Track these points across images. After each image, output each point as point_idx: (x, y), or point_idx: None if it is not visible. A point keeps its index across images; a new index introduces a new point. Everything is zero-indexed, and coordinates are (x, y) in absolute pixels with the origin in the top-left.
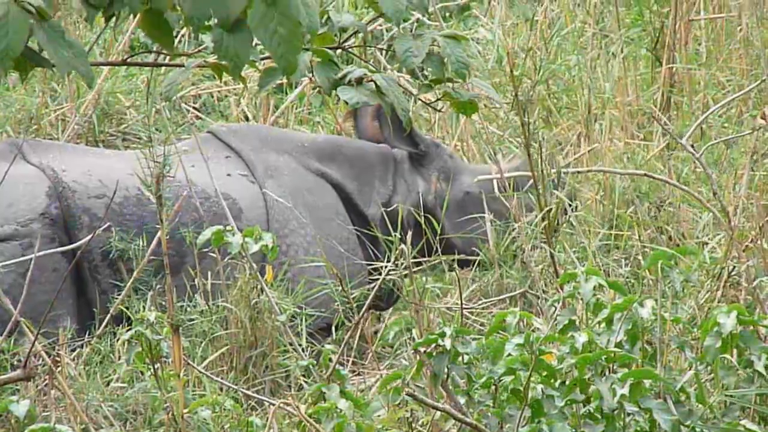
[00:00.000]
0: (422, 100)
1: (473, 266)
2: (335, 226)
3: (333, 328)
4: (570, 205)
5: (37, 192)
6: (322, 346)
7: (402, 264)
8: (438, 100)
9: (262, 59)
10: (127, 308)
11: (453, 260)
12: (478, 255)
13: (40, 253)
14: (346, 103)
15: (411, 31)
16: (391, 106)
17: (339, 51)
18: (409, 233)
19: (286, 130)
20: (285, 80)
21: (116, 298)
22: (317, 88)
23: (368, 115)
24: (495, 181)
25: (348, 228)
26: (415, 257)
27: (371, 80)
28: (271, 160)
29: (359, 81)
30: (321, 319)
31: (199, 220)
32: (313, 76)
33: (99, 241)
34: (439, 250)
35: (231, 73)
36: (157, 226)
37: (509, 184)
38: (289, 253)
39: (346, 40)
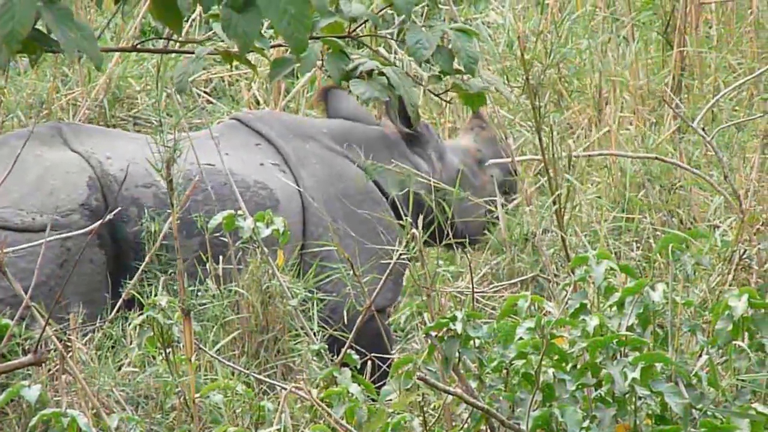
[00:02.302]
0: (431, 92)
1: (480, 244)
2: (369, 208)
3: (345, 312)
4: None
5: (78, 182)
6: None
7: (414, 247)
8: (447, 91)
9: (272, 47)
10: (139, 293)
11: (459, 241)
12: (482, 237)
13: (50, 238)
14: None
15: (422, 15)
16: (400, 99)
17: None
18: (420, 217)
19: (302, 116)
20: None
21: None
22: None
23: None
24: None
25: (382, 208)
26: (426, 241)
27: (382, 73)
28: (299, 147)
29: (370, 73)
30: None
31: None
32: (323, 66)
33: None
34: (450, 233)
35: (239, 52)
36: (196, 215)
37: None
38: (324, 246)
39: (356, 29)
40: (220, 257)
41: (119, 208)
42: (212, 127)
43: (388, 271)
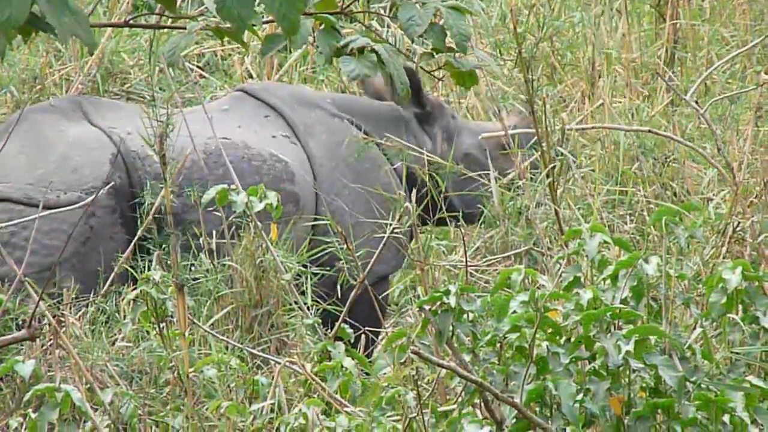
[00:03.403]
0: (423, 69)
1: (477, 223)
2: (375, 175)
3: (338, 287)
4: (574, 162)
5: (101, 159)
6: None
7: (407, 221)
8: (439, 68)
9: (264, 23)
10: (133, 267)
11: (455, 218)
12: (478, 214)
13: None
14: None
15: None
16: (390, 76)
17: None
18: (414, 191)
19: (306, 87)
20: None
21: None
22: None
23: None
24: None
25: (388, 174)
26: (420, 215)
27: (373, 50)
28: (305, 116)
29: (361, 50)
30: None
31: (259, 182)
32: (315, 42)
33: (173, 206)
34: (443, 207)
35: (234, 34)
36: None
37: (513, 141)
38: (335, 218)
39: (349, 6)
40: (214, 232)
41: (111, 183)
42: (220, 99)
43: (385, 239)
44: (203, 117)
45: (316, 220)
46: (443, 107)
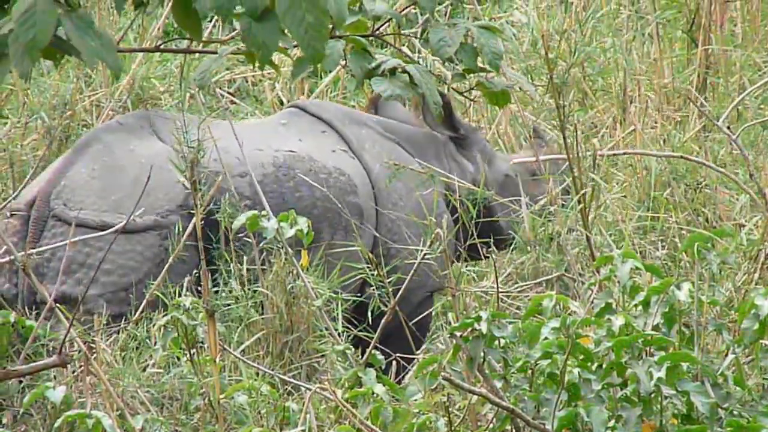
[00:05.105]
0: (455, 90)
1: (510, 248)
2: (422, 196)
3: (369, 313)
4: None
5: (174, 178)
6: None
7: (439, 248)
8: (471, 89)
9: (295, 46)
10: (163, 294)
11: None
12: (509, 239)
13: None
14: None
15: (445, 14)
16: (423, 97)
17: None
18: (446, 216)
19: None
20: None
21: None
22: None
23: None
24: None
25: (434, 190)
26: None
27: (405, 71)
28: (357, 132)
29: (392, 71)
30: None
31: (325, 195)
32: (346, 64)
33: (242, 228)
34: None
35: (260, 61)
36: (296, 204)
37: (544, 168)
38: (393, 229)
39: (379, 28)
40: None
41: (142, 210)
42: (275, 114)
43: (438, 252)
44: (263, 130)
45: (377, 231)
46: (476, 131)
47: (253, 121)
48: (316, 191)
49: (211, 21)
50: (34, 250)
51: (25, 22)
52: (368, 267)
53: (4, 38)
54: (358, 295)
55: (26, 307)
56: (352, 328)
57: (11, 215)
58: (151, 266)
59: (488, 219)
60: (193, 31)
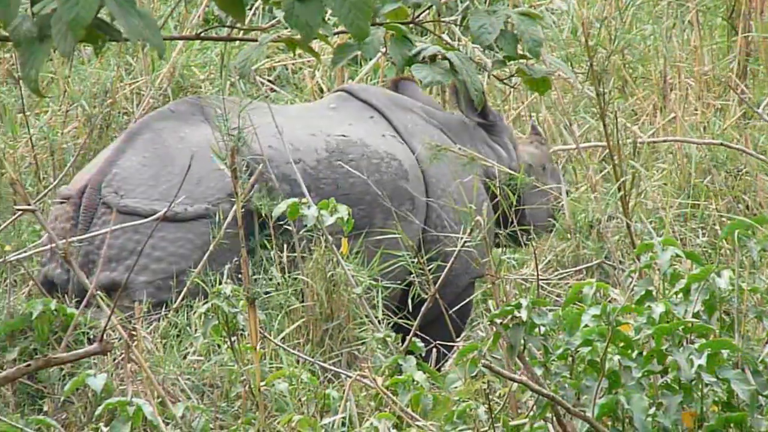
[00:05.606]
0: (496, 77)
1: (550, 236)
2: (469, 175)
3: (409, 300)
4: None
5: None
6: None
7: (478, 234)
8: (511, 76)
9: (335, 34)
10: (204, 281)
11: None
12: (552, 225)
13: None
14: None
15: (485, 1)
16: (464, 83)
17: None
18: (486, 203)
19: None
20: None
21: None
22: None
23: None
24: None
25: (477, 176)
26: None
27: (445, 57)
28: (404, 117)
29: (433, 58)
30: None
31: (379, 180)
32: (387, 51)
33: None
34: (515, 221)
35: (302, 41)
36: (350, 191)
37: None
38: (442, 215)
39: (419, 15)
40: (285, 245)
41: (183, 197)
42: (324, 98)
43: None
44: (312, 115)
45: (427, 217)
46: (502, 118)
47: (302, 105)
48: (369, 177)
49: (251, 9)
50: (75, 238)
51: (68, 1)
52: (416, 254)
53: (46, 18)
54: (399, 282)
55: (76, 294)
56: (392, 316)
57: (62, 202)
58: (201, 254)
59: (527, 206)
60: (237, 14)
